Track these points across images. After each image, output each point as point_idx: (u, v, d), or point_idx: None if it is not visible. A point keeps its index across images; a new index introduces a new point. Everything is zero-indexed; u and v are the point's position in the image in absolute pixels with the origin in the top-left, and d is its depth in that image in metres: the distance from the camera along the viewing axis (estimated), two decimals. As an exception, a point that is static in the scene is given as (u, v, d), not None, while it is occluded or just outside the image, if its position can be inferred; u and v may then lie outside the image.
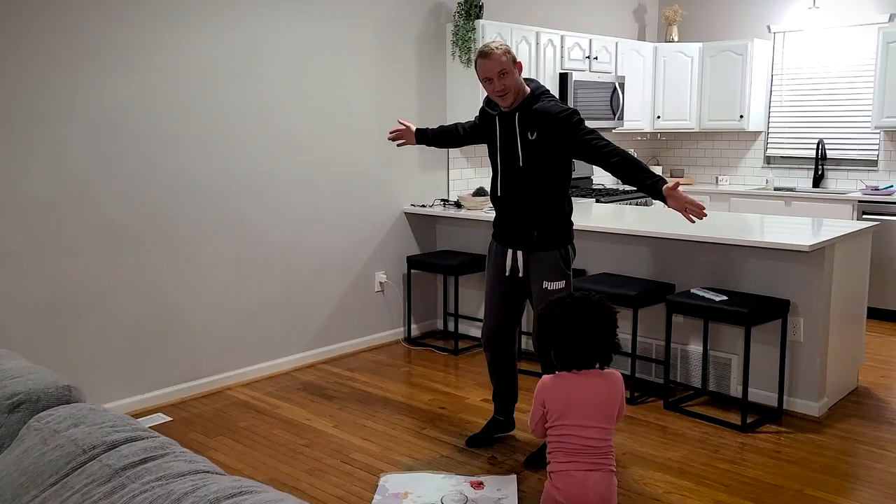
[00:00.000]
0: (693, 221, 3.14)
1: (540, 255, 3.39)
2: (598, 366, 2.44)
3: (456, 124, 3.77)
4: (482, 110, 3.55)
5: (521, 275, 3.45)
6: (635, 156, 3.25)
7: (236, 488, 1.26)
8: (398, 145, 3.87)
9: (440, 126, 3.85)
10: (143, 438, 1.49)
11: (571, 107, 3.37)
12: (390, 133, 3.83)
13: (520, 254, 3.43)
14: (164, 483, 1.31)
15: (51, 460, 1.45)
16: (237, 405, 4.21)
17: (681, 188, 3.12)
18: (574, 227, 3.51)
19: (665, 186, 3.08)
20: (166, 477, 1.34)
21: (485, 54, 3.22)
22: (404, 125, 3.81)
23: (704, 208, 3.08)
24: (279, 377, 4.67)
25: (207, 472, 1.37)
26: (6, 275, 3.63)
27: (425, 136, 3.81)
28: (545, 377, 2.44)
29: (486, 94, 3.41)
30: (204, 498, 1.24)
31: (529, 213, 3.37)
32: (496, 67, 3.21)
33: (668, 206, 3.10)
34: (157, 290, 4.16)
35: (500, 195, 3.44)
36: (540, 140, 3.27)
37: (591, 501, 2.29)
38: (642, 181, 3.13)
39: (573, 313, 2.36)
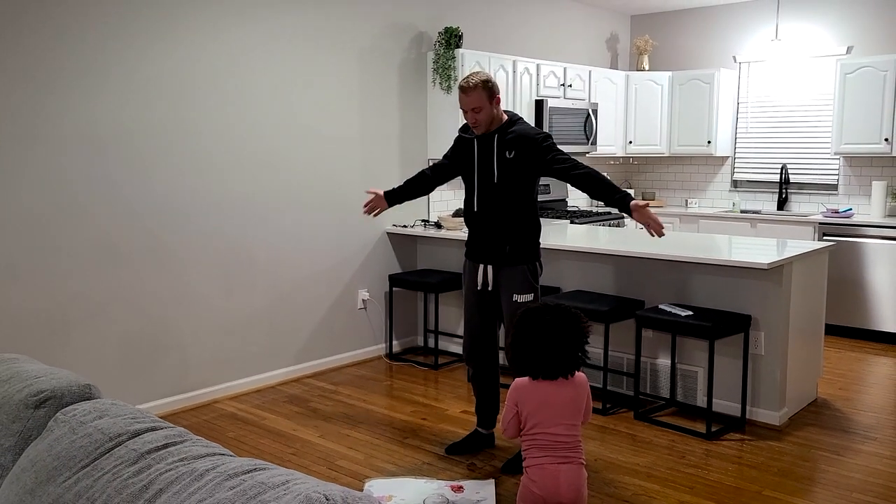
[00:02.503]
0: (652, 236, 3.49)
1: (510, 269, 3.61)
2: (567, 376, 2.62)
3: (421, 171, 3.94)
4: (458, 138, 3.78)
5: (490, 289, 3.67)
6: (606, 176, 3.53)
7: (251, 466, 1.45)
8: (374, 216, 3.97)
9: (405, 181, 3.98)
10: (162, 428, 1.67)
11: (546, 131, 3.65)
12: (364, 206, 3.92)
13: (490, 268, 3.65)
14: (186, 463, 1.50)
15: (81, 447, 1.63)
16: (225, 417, 4.36)
17: (652, 210, 3.43)
18: (550, 247, 3.75)
19: (633, 202, 3.42)
20: (187, 458, 1.52)
21: (464, 90, 3.49)
22: (373, 193, 3.91)
23: (664, 227, 3.46)
24: (266, 390, 4.83)
25: (223, 454, 1.55)
26: (3, 289, 3.77)
27: (395, 196, 3.92)
28: (519, 379, 2.63)
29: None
30: (223, 473, 1.42)
31: (502, 228, 3.60)
32: (471, 104, 3.49)
33: (634, 219, 3.46)
34: (147, 305, 4.32)
35: (476, 211, 3.67)
36: (516, 159, 3.53)
37: (563, 491, 2.50)
38: (611, 196, 3.47)
39: (545, 322, 2.54)
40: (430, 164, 5.86)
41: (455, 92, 5.59)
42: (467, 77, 3.51)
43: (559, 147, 3.58)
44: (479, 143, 3.62)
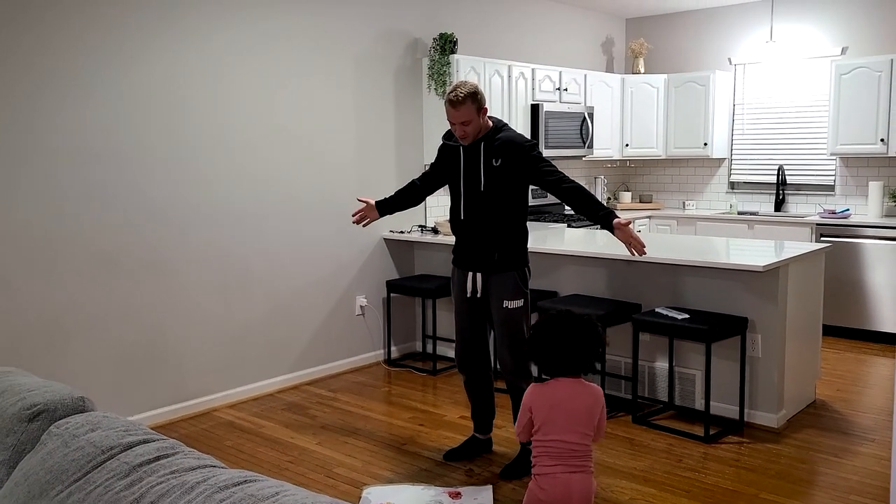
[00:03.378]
0: (633, 255, 3.52)
1: (499, 276, 3.60)
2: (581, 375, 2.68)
3: (411, 181, 3.96)
4: (442, 146, 3.76)
5: (479, 296, 3.67)
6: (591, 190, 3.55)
7: (241, 478, 1.45)
8: (364, 226, 3.97)
9: (396, 191, 3.99)
10: (154, 440, 1.68)
11: (532, 139, 3.65)
12: (353, 216, 3.94)
13: (479, 276, 3.64)
14: (177, 475, 1.50)
15: (73, 460, 1.63)
16: (223, 425, 4.37)
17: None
18: (547, 252, 3.76)
19: (616, 220, 3.43)
20: (179, 471, 1.52)
21: (453, 104, 3.45)
22: (364, 202, 3.92)
23: (645, 246, 3.48)
24: (264, 398, 4.83)
25: (214, 466, 1.56)
26: None
27: (387, 206, 3.92)
28: (532, 385, 2.68)
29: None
30: (214, 486, 1.43)
31: (490, 235, 3.59)
32: (460, 117, 3.46)
33: (615, 237, 3.48)
34: (144, 315, 4.32)
35: (463, 219, 3.66)
36: (503, 166, 3.53)
37: (575, 500, 2.51)
38: (595, 212, 3.48)
39: (564, 325, 2.61)
40: (426, 169, 5.87)
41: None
42: (455, 90, 3.46)
43: (551, 154, 3.59)
44: (466, 151, 3.62)
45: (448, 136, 3.73)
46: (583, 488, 2.53)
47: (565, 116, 6.45)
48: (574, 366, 2.61)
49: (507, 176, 3.54)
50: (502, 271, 3.60)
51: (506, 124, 3.65)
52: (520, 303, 3.60)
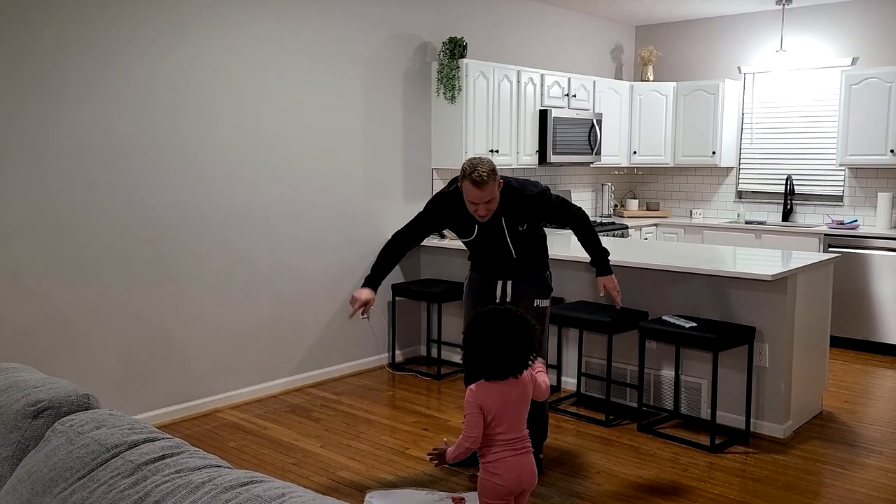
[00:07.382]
0: (616, 305, 3.80)
1: (530, 279, 3.67)
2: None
3: (392, 237, 3.68)
4: (446, 203, 3.56)
5: (508, 299, 3.68)
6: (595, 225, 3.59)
7: (247, 478, 1.44)
8: (370, 310, 3.65)
9: (379, 258, 3.67)
10: (160, 439, 1.66)
11: (542, 185, 3.55)
12: (350, 316, 3.60)
13: (510, 282, 3.67)
14: (182, 475, 1.49)
15: (78, 457, 1.62)
16: (227, 426, 4.35)
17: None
18: (554, 258, 3.85)
19: (602, 277, 3.72)
20: (184, 470, 1.51)
21: (478, 183, 3.25)
22: (358, 303, 3.53)
23: (619, 304, 3.83)
24: (267, 400, 4.81)
25: (220, 466, 1.54)
26: (5, 299, 3.78)
27: (377, 279, 3.62)
28: (472, 386, 2.64)
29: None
30: (219, 486, 1.41)
31: (515, 264, 3.65)
32: (485, 196, 3.31)
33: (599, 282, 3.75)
34: (150, 314, 4.32)
35: (486, 261, 3.70)
36: (529, 227, 3.57)
37: (526, 478, 2.65)
38: (594, 253, 3.71)
39: (497, 325, 2.60)
40: (433, 173, 5.87)
41: (459, 102, 5.59)
42: (475, 169, 3.24)
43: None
44: (482, 224, 3.55)
45: (450, 197, 3.54)
46: (531, 467, 2.68)
47: (573, 123, 6.43)
48: (507, 371, 2.62)
49: (532, 228, 3.60)
50: (532, 275, 3.68)
51: (513, 184, 3.49)
52: (547, 302, 3.69)
